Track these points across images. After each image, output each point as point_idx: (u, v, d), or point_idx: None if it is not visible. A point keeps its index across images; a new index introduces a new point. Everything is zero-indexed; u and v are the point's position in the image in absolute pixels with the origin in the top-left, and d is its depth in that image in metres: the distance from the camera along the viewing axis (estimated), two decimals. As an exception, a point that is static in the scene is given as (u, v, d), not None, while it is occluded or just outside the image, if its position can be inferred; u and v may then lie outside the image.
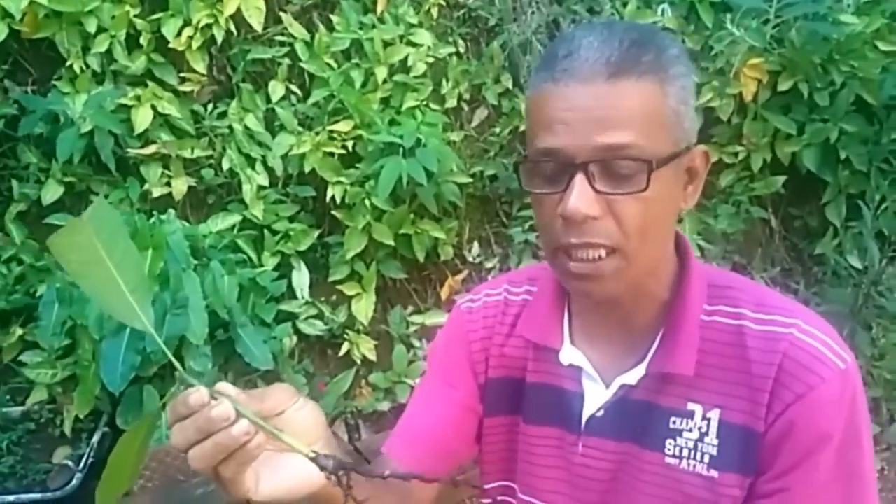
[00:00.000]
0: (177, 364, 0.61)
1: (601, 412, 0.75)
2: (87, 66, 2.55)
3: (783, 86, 2.77)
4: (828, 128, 2.77)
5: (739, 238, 2.95)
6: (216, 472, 0.55)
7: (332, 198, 2.61)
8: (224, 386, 0.56)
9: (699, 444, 0.69)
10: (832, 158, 2.82)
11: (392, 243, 2.63)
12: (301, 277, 2.67)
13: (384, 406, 2.61)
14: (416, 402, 0.89)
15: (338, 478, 0.55)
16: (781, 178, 2.90)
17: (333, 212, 2.67)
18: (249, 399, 0.56)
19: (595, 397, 0.76)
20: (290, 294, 2.65)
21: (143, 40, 2.57)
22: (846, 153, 2.77)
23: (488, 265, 2.86)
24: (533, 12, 2.92)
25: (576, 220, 0.65)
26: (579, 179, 0.64)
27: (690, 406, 0.70)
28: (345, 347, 2.66)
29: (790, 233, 3.09)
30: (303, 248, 2.67)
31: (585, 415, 0.76)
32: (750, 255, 2.95)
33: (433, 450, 0.84)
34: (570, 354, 0.77)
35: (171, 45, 2.57)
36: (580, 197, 0.64)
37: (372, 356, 2.68)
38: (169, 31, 2.55)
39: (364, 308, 2.65)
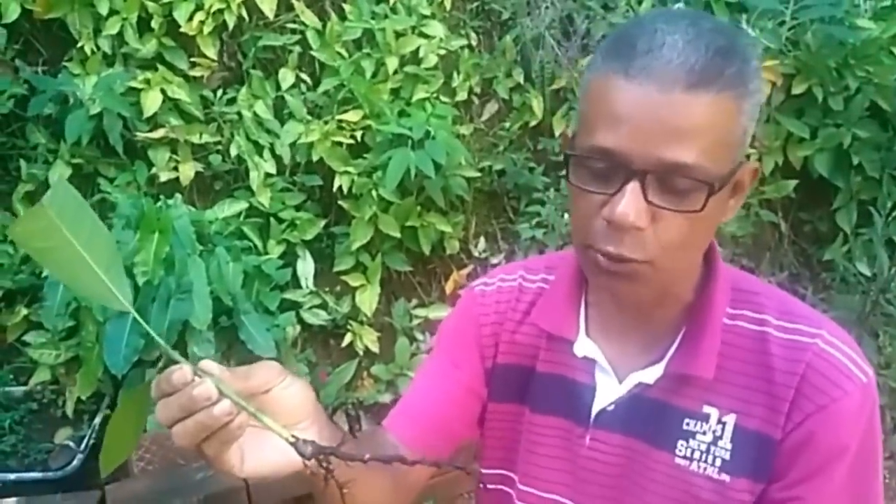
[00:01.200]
0: (159, 340, 0.60)
1: (612, 407, 0.74)
2: (98, 47, 2.55)
3: (797, 89, 2.74)
4: (841, 133, 2.74)
5: (748, 241, 2.93)
6: (200, 449, 0.55)
7: (340, 188, 2.61)
8: (208, 364, 0.55)
9: (712, 448, 0.69)
10: (844, 164, 2.80)
11: (398, 235, 2.63)
12: (306, 266, 2.67)
13: (386, 398, 2.61)
14: (419, 379, 0.88)
15: (318, 462, 0.54)
16: (793, 183, 2.88)
17: (340, 202, 2.66)
18: (234, 377, 0.56)
19: (607, 391, 0.75)
20: (295, 283, 2.65)
21: (154, 24, 2.56)
22: (859, 159, 2.75)
23: (494, 261, 2.85)
24: (547, 7, 2.90)
25: (622, 227, 0.62)
26: (633, 187, 0.61)
27: (706, 409, 0.70)
28: (348, 338, 2.66)
29: (799, 237, 3.07)
30: (308, 237, 2.67)
31: (596, 408, 0.75)
32: (758, 258, 2.93)
33: (433, 428, 0.83)
34: (584, 346, 0.76)
35: (182, 30, 2.56)
36: (630, 205, 0.60)
37: (375, 348, 2.67)
38: (180, 15, 2.54)
39: (368, 299, 2.65)
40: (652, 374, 0.72)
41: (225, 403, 0.53)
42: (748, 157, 0.70)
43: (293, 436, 0.55)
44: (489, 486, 0.85)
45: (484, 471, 0.86)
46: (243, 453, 0.57)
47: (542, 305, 0.81)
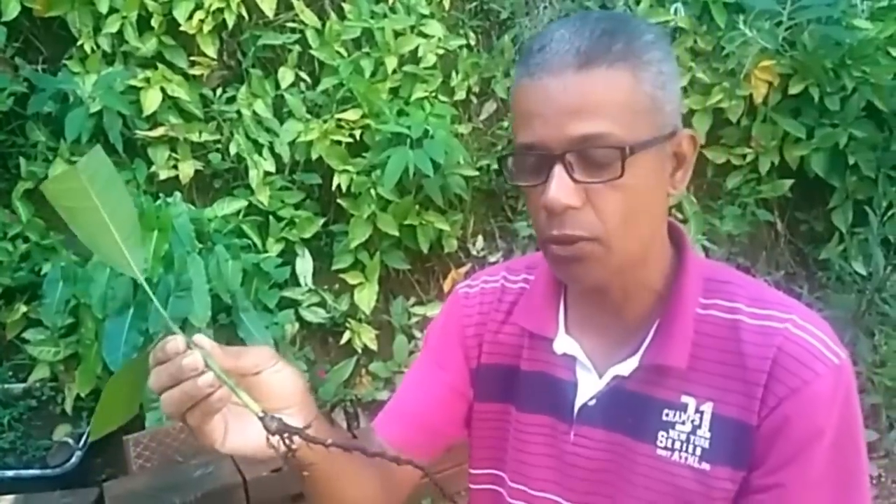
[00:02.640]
0: (161, 310, 0.63)
1: (593, 401, 0.75)
2: (98, 46, 2.56)
3: (794, 89, 2.76)
4: (837, 133, 2.76)
5: (744, 240, 2.94)
6: (184, 419, 0.58)
7: (338, 186, 2.62)
8: (200, 338, 0.58)
9: (691, 437, 0.70)
10: (840, 164, 2.81)
11: (396, 234, 2.64)
12: (305, 265, 2.68)
13: (384, 395, 2.62)
14: (406, 382, 0.89)
15: (282, 439, 0.57)
16: (789, 182, 2.90)
17: (339, 200, 2.67)
18: (226, 355, 0.59)
19: (588, 387, 0.76)
20: (294, 281, 2.66)
21: (154, 22, 2.57)
22: (855, 159, 2.77)
23: (492, 259, 2.87)
24: (545, 7, 2.91)
25: (556, 210, 0.66)
26: (558, 171, 0.65)
27: (684, 399, 0.70)
28: (346, 336, 2.67)
29: (795, 237, 3.08)
30: (307, 235, 2.68)
31: (578, 404, 0.75)
32: (754, 257, 2.95)
33: (420, 429, 0.84)
34: (564, 343, 0.77)
35: (182, 28, 2.58)
36: (559, 188, 0.65)
37: (373, 345, 2.68)
38: (180, 13, 2.56)
39: (366, 297, 2.66)
40: (628, 367, 0.73)
41: (209, 375, 0.56)
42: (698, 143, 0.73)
43: (262, 411, 0.58)
44: (479, 486, 0.86)
45: (474, 471, 0.86)
46: (227, 430, 0.60)
47: (523, 305, 0.82)
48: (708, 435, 0.69)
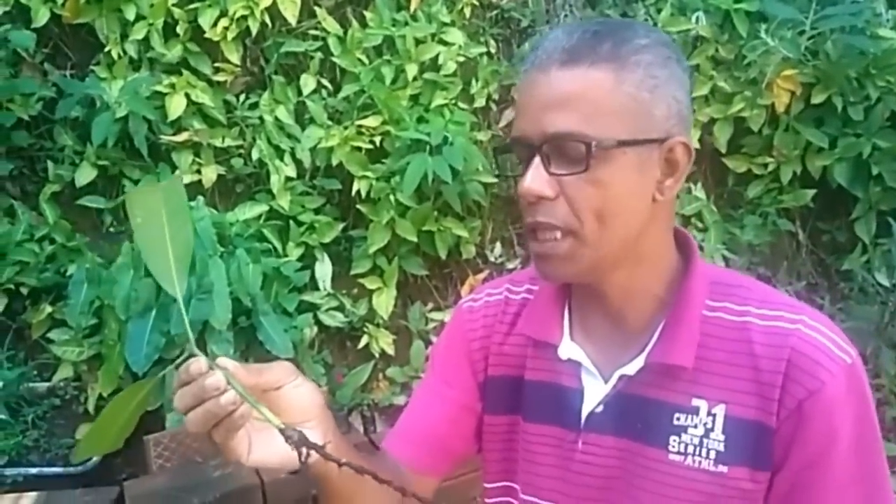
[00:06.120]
0: (188, 331, 0.65)
1: (601, 408, 0.75)
2: (125, 52, 2.61)
3: (817, 98, 2.73)
4: (860, 142, 2.73)
5: (765, 250, 2.92)
6: (209, 436, 0.60)
7: (358, 192, 2.64)
8: (222, 360, 0.60)
9: (704, 440, 0.69)
10: (864, 174, 2.78)
11: (415, 239, 2.65)
12: (324, 269, 2.70)
13: (400, 400, 2.63)
14: (414, 400, 0.90)
15: (299, 452, 0.59)
16: (811, 192, 2.87)
17: (358, 206, 2.69)
18: (248, 372, 0.61)
19: (594, 393, 0.76)
20: (313, 285, 2.68)
21: (179, 29, 2.62)
22: (878, 169, 2.73)
23: (510, 266, 2.87)
24: (566, 15, 2.91)
25: (528, 199, 0.68)
26: (535, 162, 0.68)
27: (695, 402, 0.70)
28: (364, 340, 2.69)
29: (817, 247, 3.05)
30: (327, 240, 2.70)
31: (585, 411, 0.76)
32: (775, 267, 2.92)
33: (430, 447, 0.85)
34: (568, 349, 0.77)
35: (206, 35, 2.61)
36: (533, 178, 0.67)
37: (390, 350, 2.70)
38: (205, 20, 2.59)
39: (384, 302, 2.68)
40: (634, 367, 0.73)
41: (231, 394, 0.58)
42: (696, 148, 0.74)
43: (283, 424, 0.60)
44: (494, 500, 0.86)
45: (488, 485, 0.87)
46: (251, 445, 0.62)
47: (527, 314, 0.83)
48: (722, 437, 0.69)
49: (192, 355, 0.60)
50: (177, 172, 2.55)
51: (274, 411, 0.61)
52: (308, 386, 0.65)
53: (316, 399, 0.65)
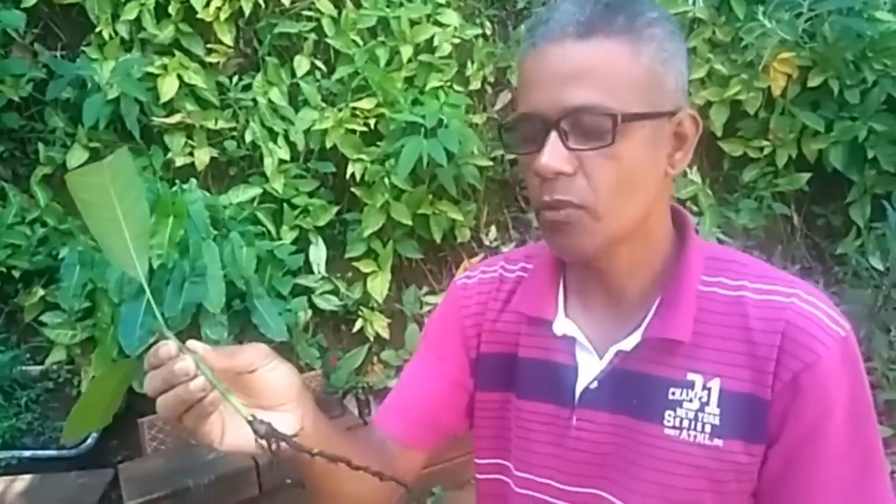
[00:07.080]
0: (159, 316, 0.63)
1: (595, 384, 0.74)
2: (116, 33, 2.58)
3: (813, 82, 2.73)
4: (856, 126, 2.72)
5: (760, 234, 2.92)
6: (181, 421, 0.59)
7: (352, 175, 2.62)
8: (193, 343, 0.59)
9: (700, 415, 0.69)
10: (859, 157, 2.78)
11: (410, 223, 2.64)
12: (318, 252, 2.69)
13: (394, 383, 2.63)
14: (406, 374, 0.90)
15: (268, 442, 0.58)
16: (806, 176, 2.87)
17: (353, 189, 2.68)
18: (220, 356, 0.60)
19: (589, 369, 0.75)
20: (307, 268, 2.68)
21: (171, 10, 2.59)
22: (874, 153, 2.73)
23: (505, 249, 2.86)
24: (562, -4, 2.89)
25: (546, 175, 0.66)
26: (553, 137, 0.66)
27: (690, 376, 0.70)
28: (359, 324, 2.69)
29: (812, 231, 3.06)
30: (321, 223, 2.69)
31: (579, 388, 0.75)
32: (770, 251, 2.92)
33: (421, 422, 0.84)
34: (563, 325, 0.77)
35: (199, 16, 2.59)
36: (551, 153, 0.65)
37: (385, 334, 2.70)
38: (198, 1, 2.57)
39: (379, 286, 2.67)
40: (630, 342, 0.73)
41: (200, 380, 0.57)
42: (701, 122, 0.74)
43: (251, 415, 0.59)
44: (486, 476, 0.86)
45: (480, 461, 0.86)
46: (225, 429, 0.61)
47: (522, 292, 0.82)
48: (717, 411, 0.69)
49: (163, 337, 0.59)
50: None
51: (249, 394, 0.61)
52: (283, 368, 0.63)
53: (292, 381, 0.64)
